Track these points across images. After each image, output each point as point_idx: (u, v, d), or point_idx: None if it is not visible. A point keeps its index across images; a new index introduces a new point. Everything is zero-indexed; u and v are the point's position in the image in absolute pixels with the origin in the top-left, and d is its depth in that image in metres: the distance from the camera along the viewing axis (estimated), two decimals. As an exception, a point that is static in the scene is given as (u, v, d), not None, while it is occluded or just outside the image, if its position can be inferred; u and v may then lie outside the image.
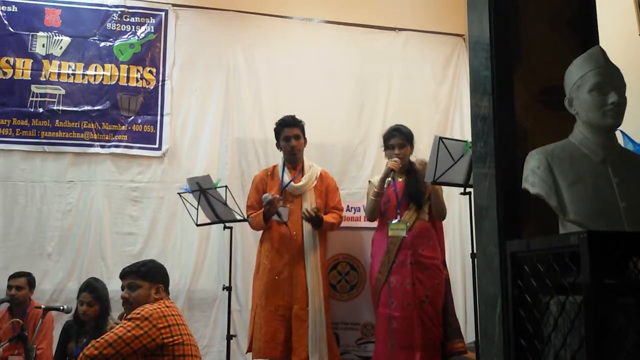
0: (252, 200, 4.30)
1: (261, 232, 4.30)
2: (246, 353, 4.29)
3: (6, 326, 4.04)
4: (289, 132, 4.25)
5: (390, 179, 3.91)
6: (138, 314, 2.78)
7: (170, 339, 2.78)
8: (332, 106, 5.53)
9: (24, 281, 4.39)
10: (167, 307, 2.90)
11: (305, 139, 4.34)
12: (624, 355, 1.56)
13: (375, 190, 3.99)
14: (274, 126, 4.35)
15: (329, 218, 4.18)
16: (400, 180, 4.06)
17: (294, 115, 4.31)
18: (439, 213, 4.05)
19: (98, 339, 2.73)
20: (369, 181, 4.26)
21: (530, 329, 1.78)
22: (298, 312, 4.00)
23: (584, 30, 2.29)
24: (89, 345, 2.70)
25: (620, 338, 1.56)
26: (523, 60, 2.22)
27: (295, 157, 4.27)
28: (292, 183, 4.21)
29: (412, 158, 4.17)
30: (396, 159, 3.96)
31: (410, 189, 4.00)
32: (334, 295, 4.39)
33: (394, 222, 3.91)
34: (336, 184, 4.44)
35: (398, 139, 4.06)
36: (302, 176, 4.26)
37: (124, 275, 3.02)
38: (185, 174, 4.88)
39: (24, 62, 5.09)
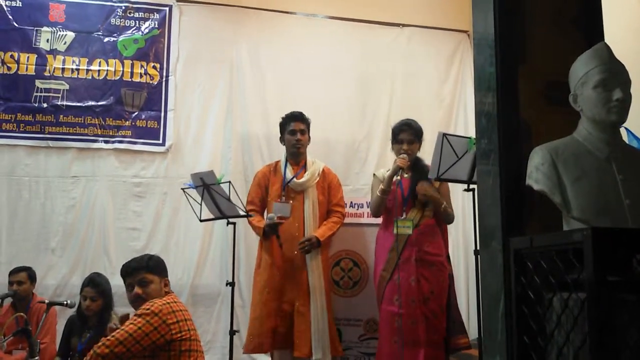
0: (253, 195, 4.30)
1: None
2: (244, 352, 4.29)
3: (10, 320, 4.06)
4: (296, 125, 4.25)
5: (398, 177, 3.90)
6: (148, 309, 2.75)
7: (179, 335, 2.76)
8: (336, 102, 5.52)
9: (24, 276, 4.40)
10: (175, 302, 2.88)
11: (309, 136, 4.33)
12: (626, 352, 1.56)
13: (382, 187, 3.97)
14: (280, 119, 4.34)
15: (325, 232, 4.15)
16: (406, 176, 4.04)
17: (301, 112, 4.31)
18: (446, 221, 4.06)
19: (109, 337, 2.70)
20: (374, 174, 4.24)
21: (533, 326, 1.78)
22: (299, 308, 4.00)
23: (588, 26, 2.29)
24: (100, 343, 2.68)
25: (623, 334, 1.55)
26: (528, 56, 2.22)
27: (298, 152, 4.26)
28: (294, 179, 4.20)
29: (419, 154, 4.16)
30: (404, 155, 3.93)
31: (416, 186, 3.98)
32: (337, 291, 4.39)
33: (400, 219, 3.90)
34: (339, 180, 4.43)
35: (408, 134, 4.03)
36: (305, 172, 4.25)
37: (132, 271, 2.94)
38: (188, 169, 4.89)
39: (28, 57, 5.09)
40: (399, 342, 3.74)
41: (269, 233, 4.08)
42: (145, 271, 2.92)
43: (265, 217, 4.25)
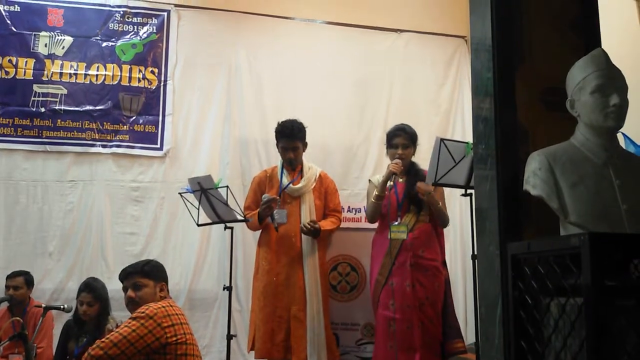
0: (250, 201, 4.30)
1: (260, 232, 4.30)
2: (248, 352, 4.30)
3: (6, 325, 4.04)
4: (287, 144, 4.20)
5: (391, 182, 3.91)
6: (142, 312, 2.76)
7: (174, 338, 2.76)
8: (334, 107, 5.53)
9: (21, 280, 4.39)
10: (171, 306, 2.88)
11: (305, 143, 4.31)
12: (624, 357, 1.56)
13: (376, 193, 3.97)
14: (275, 127, 4.31)
15: (327, 225, 4.17)
16: (401, 181, 4.04)
17: (294, 124, 4.21)
18: (441, 223, 4.05)
19: (103, 339, 2.71)
20: (369, 180, 4.25)
21: (530, 331, 1.78)
22: (296, 313, 4.00)
23: (586, 31, 2.30)
24: (94, 346, 2.68)
25: (621, 340, 1.55)
26: (525, 61, 2.22)
27: (292, 166, 4.27)
28: (290, 185, 4.20)
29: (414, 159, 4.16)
30: (397, 160, 3.94)
31: (411, 190, 3.99)
32: (334, 295, 4.38)
33: (394, 224, 3.90)
34: (335, 185, 4.43)
35: (402, 139, 4.04)
36: (301, 178, 4.24)
37: (127, 275, 2.98)
38: (186, 174, 4.88)
39: (26, 61, 5.10)
40: (394, 347, 3.74)
41: (263, 213, 4.06)
42: (140, 275, 2.95)
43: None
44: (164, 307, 2.83)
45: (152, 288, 2.94)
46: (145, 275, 2.95)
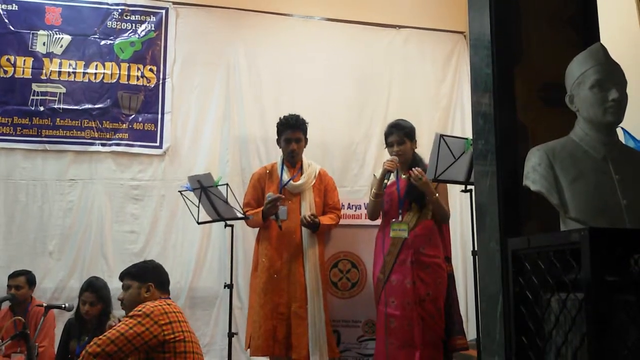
0: (249, 198, 4.30)
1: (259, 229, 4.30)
2: (245, 350, 4.31)
3: (8, 324, 4.05)
4: (291, 134, 4.23)
5: (386, 180, 3.90)
6: (139, 310, 2.82)
7: (172, 336, 2.79)
8: (333, 104, 5.53)
9: (22, 280, 4.39)
10: (168, 304, 2.94)
11: (306, 139, 4.32)
12: (624, 352, 1.56)
13: (374, 191, 3.97)
14: (277, 122, 4.32)
15: (326, 220, 4.18)
16: (403, 177, 4.03)
17: (298, 116, 4.27)
18: (442, 219, 4.02)
19: (100, 337, 2.75)
20: (374, 175, 4.23)
21: (531, 326, 1.79)
22: (297, 310, 4.00)
23: (584, 27, 2.30)
24: (92, 343, 2.73)
25: (622, 335, 1.56)
26: (524, 57, 2.22)
27: (294, 159, 4.27)
28: (291, 182, 4.20)
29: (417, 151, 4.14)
30: (394, 157, 3.92)
31: (413, 187, 3.97)
32: (335, 292, 4.39)
33: (395, 222, 3.89)
34: (334, 182, 4.44)
35: (396, 136, 4.01)
36: (301, 175, 4.25)
37: (120, 277, 3.12)
38: (186, 172, 4.89)
39: (24, 60, 5.09)
40: (394, 343, 3.74)
41: (268, 212, 4.06)
42: (127, 277, 3.07)
43: None
44: (161, 305, 2.89)
45: (136, 289, 3.02)
46: (132, 277, 3.05)
